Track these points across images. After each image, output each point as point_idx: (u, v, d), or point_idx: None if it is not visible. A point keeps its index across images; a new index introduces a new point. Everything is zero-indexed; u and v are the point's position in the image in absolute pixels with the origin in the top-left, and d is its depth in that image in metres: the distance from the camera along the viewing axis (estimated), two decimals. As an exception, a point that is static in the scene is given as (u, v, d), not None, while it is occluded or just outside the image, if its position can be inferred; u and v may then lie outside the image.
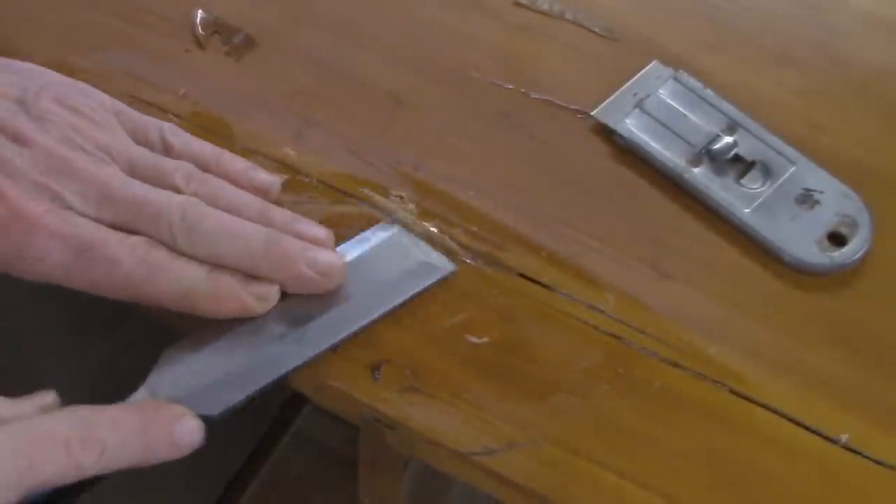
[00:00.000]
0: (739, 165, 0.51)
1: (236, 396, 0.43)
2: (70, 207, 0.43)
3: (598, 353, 0.45)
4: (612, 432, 0.43)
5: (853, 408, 0.44)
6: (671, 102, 0.53)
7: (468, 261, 0.48)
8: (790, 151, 0.51)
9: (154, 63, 0.54)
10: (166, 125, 0.48)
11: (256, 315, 0.44)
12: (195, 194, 0.45)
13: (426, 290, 0.46)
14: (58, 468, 0.37)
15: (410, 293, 0.46)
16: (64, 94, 0.46)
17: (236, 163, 0.48)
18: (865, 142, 0.53)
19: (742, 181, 0.50)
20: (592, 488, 0.42)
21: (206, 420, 0.42)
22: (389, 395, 0.44)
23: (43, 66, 0.50)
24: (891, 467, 0.43)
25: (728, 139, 0.51)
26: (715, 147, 0.51)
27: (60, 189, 0.43)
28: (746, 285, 0.48)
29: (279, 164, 0.51)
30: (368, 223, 0.49)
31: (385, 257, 0.47)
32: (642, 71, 0.54)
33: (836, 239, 0.49)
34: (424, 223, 0.48)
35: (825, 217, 0.49)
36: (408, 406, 0.44)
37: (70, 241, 0.42)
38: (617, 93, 0.53)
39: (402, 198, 0.50)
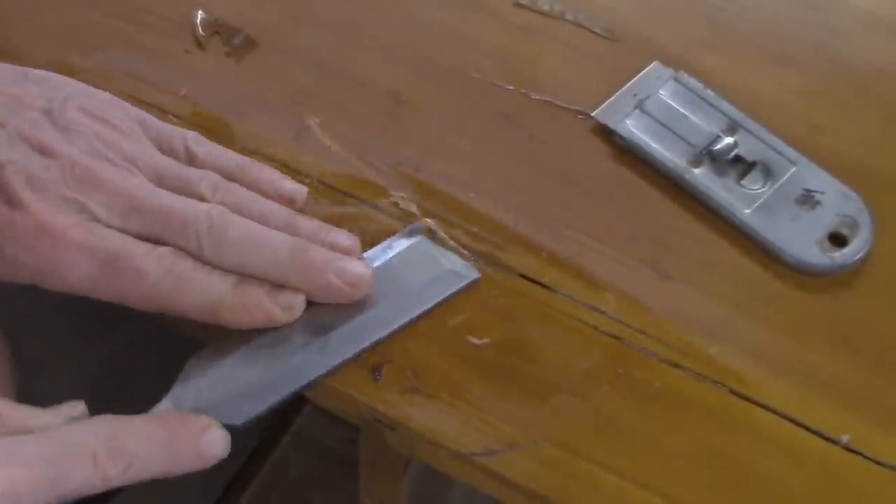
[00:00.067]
0: (740, 166, 0.51)
1: (259, 406, 0.43)
2: (96, 219, 0.43)
3: (599, 353, 0.45)
4: (613, 433, 0.43)
5: (854, 408, 0.44)
6: (672, 103, 0.53)
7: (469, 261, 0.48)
8: (791, 152, 0.51)
9: (154, 63, 0.54)
10: (190, 134, 0.48)
11: (283, 325, 0.44)
12: (221, 204, 0.45)
13: (450, 298, 0.46)
14: (85, 479, 0.37)
15: (434, 301, 0.46)
16: (89, 104, 0.46)
17: (261, 172, 0.48)
18: (866, 142, 0.53)
19: (743, 182, 0.50)
20: (593, 489, 0.42)
21: (229, 430, 0.42)
22: (390, 396, 0.44)
23: (43, 66, 0.50)
24: (892, 468, 0.43)
25: (729, 140, 0.51)
26: (715, 148, 0.51)
27: (87, 201, 0.43)
28: (747, 286, 0.48)
29: (279, 165, 0.51)
30: (368, 223, 0.49)
31: (409, 265, 0.46)
32: (643, 71, 0.54)
33: (837, 239, 0.49)
34: (455, 241, 0.48)
35: (826, 217, 0.49)
36: (408, 406, 0.44)
37: (97, 253, 0.42)
38: (617, 93, 0.53)
39: (403, 198, 0.50)
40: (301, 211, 0.47)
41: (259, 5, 0.57)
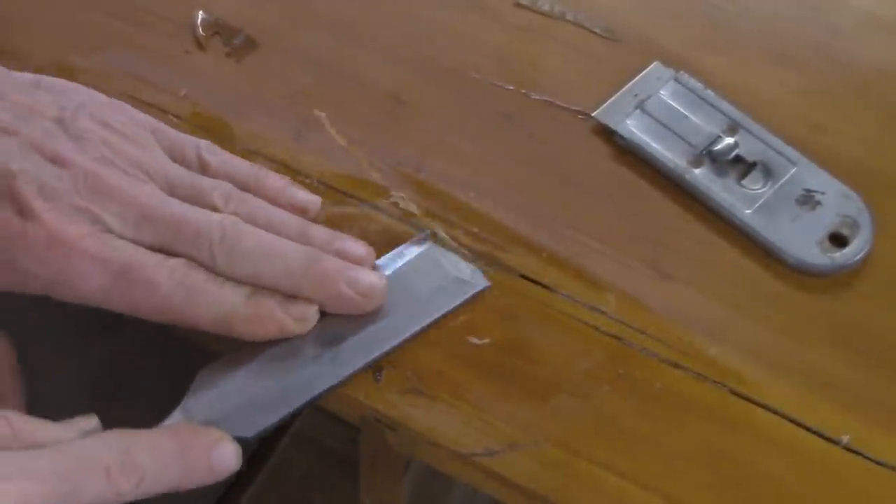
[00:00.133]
0: (740, 166, 0.51)
1: (270, 418, 0.42)
2: (109, 229, 0.43)
3: (599, 353, 0.45)
4: (613, 433, 0.43)
5: (854, 409, 0.44)
6: (672, 103, 0.53)
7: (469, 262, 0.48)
8: (791, 152, 0.51)
9: (154, 64, 0.54)
10: (203, 143, 0.48)
11: (295, 336, 0.44)
12: (234, 213, 0.44)
13: (460, 306, 0.46)
14: (98, 493, 0.37)
15: (445, 310, 0.46)
16: (101, 112, 0.46)
17: (274, 181, 0.48)
18: (866, 142, 0.53)
19: (743, 182, 0.50)
20: (593, 489, 0.42)
21: (241, 442, 0.41)
22: (391, 396, 0.44)
23: (43, 66, 0.50)
24: (892, 468, 0.43)
25: (729, 140, 0.51)
26: (716, 148, 0.51)
27: (99, 211, 0.43)
28: (747, 286, 0.48)
29: (279, 165, 0.51)
30: (369, 223, 0.49)
31: (419, 274, 0.46)
32: (643, 72, 0.54)
33: (838, 240, 0.49)
34: (456, 241, 0.48)
35: (826, 218, 0.49)
36: (409, 407, 0.44)
37: (110, 264, 0.42)
38: (618, 94, 0.53)
39: (403, 198, 0.50)
40: (314, 220, 0.47)
41: (259, 5, 0.57)
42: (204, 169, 0.47)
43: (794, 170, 0.50)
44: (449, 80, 0.54)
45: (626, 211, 0.50)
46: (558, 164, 0.51)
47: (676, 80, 0.53)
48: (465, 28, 0.57)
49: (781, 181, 0.50)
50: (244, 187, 0.46)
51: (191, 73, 0.54)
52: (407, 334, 0.45)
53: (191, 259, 0.43)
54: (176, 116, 0.52)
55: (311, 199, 0.48)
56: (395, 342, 0.44)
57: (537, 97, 0.54)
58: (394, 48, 0.56)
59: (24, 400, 0.46)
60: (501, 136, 0.52)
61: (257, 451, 0.75)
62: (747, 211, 0.49)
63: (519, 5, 0.58)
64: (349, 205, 0.49)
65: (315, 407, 0.46)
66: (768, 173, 0.50)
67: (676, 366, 0.45)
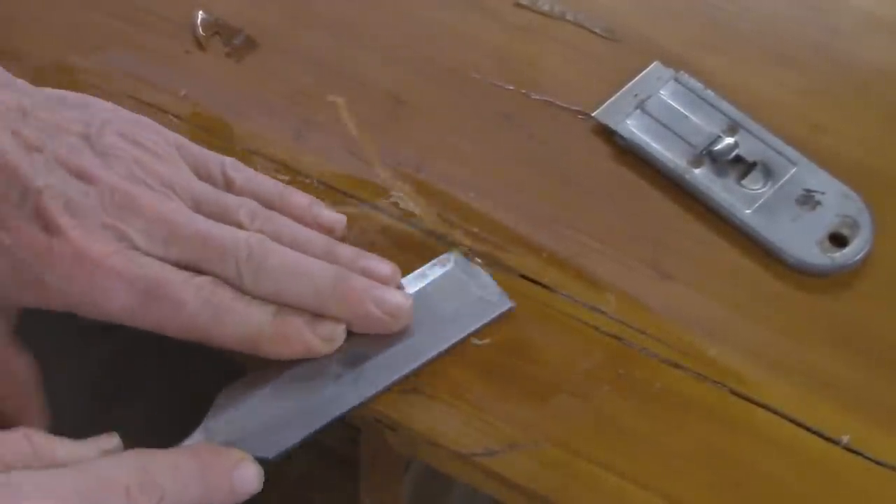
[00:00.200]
0: (740, 166, 0.51)
1: (292, 439, 0.42)
2: (135, 247, 0.42)
3: (599, 353, 0.45)
4: (613, 433, 0.43)
5: (854, 409, 0.44)
6: (672, 103, 0.53)
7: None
8: (791, 152, 0.51)
9: (154, 64, 0.54)
10: (228, 160, 0.47)
11: (322, 356, 0.43)
12: (259, 231, 0.44)
13: (484, 327, 0.46)
14: None
15: (468, 331, 0.45)
16: (127, 129, 0.45)
17: (299, 198, 0.47)
18: (866, 142, 0.53)
19: (743, 182, 0.50)
20: (593, 489, 0.42)
21: (262, 463, 0.41)
22: (391, 397, 0.44)
23: (43, 66, 0.50)
24: (892, 468, 0.43)
25: (729, 140, 0.51)
26: (716, 148, 0.51)
27: (126, 228, 0.42)
28: (747, 286, 0.48)
29: (279, 165, 0.51)
30: (368, 223, 0.49)
31: (443, 294, 0.46)
32: (643, 72, 0.54)
33: (838, 240, 0.49)
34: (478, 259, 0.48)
35: (826, 218, 0.49)
36: (409, 407, 0.44)
37: (136, 282, 0.42)
38: (618, 94, 0.53)
39: (402, 198, 0.50)
40: (341, 239, 0.47)
41: (259, 5, 0.57)
42: (229, 186, 0.47)
43: (794, 170, 0.50)
44: (449, 80, 0.54)
45: (626, 211, 0.50)
46: (558, 164, 0.52)
47: (676, 80, 0.53)
48: (465, 28, 0.57)
49: (781, 181, 0.50)
50: (269, 205, 0.46)
51: (191, 73, 0.54)
52: (430, 355, 0.44)
53: (217, 277, 0.43)
54: (176, 116, 0.52)
55: (337, 218, 0.47)
56: (419, 363, 0.44)
57: (537, 97, 0.54)
58: (394, 48, 0.56)
59: (47, 417, 0.46)
60: (501, 136, 0.52)
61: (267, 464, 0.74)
62: (747, 211, 0.49)
63: (519, 5, 0.58)
64: (349, 205, 0.49)
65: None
66: (768, 173, 0.50)
67: (676, 366, 0.45)
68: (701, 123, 0.52)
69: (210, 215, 0.44)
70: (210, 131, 0.51)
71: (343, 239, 0.47)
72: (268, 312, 0.43)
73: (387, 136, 0.52)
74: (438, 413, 0.44)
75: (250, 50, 0.55)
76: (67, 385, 0.57)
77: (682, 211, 0.50)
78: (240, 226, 0.44)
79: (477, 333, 0.45)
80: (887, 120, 0.54)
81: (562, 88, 0.54)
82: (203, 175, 0.46)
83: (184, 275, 0.42)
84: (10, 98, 0.44)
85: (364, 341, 0.44)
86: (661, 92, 0.53)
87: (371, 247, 0.47)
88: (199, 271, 0.43)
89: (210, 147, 0.48)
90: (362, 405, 0.43)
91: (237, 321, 0.42)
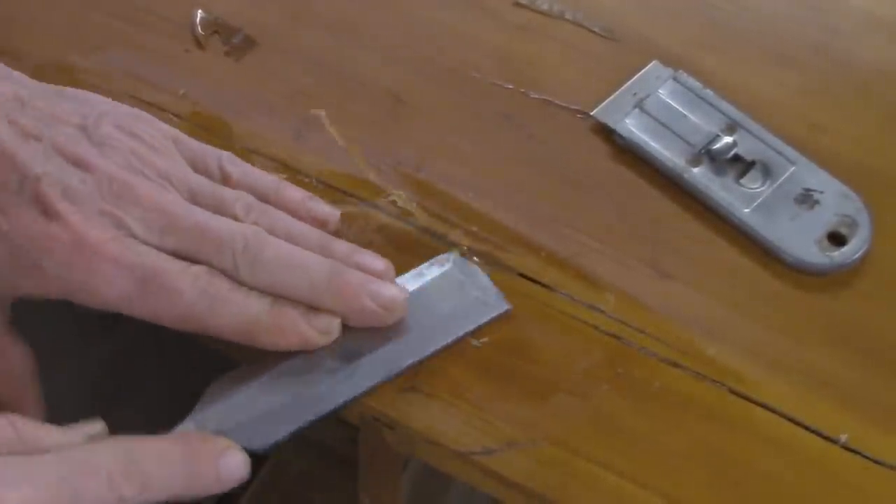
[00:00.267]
0: (739, 165, 0.51)
1: (283, 431, 0.42)
2: (133, 235, 0.42)
3: (598, 353, 0.45)
4: (612, 432, 0.43)
5: (853, 407, 0.44)
6: (671, 102, 0.53)
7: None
8: (790, 151, 0.51)
9: (154, 63, 0.54)
10: (224, 154, 0.47)
11: (317, 348, 0.43)
12: (255, 224, 0.44)
13: (480, 328, 0.46)
14: (100, 499, 0.37)
15: (464, 331, 0.45)
16: (123, 121, 0.46)
17: (294, 193, 0.47)
18: (865, 142, 0.53)
19: (742, 181, 0.50)
20: (592, 488, 0.42)
21: (252, 454, 0.41)
22: (389, 395, 0.44)
23: (43, 66, 0.50)
24: (890, 467, 0.43)
25: (728, 139, 0.51)
26: (715, 147, 0.51)
27: (123, 216, 0.42)
28: (746, 285, 0.48)
29: (279, 165, 0.51)
30: (368, 222, 0.49)
31: (440, 293, 0.46)
32: (642, 71, 0.54)
33: (836, 239, 0.49)
34: (475, 259, 0.48)
35: (825, 217, 0.49)
36: (407, 406, 0.44)
37: (134, 270, 0.42)
38: (617, 93, 0.53)
39: (402, 197, 0.50)
40: (335, 233, 0.47)
41: (259, 5, 0.57)
42: (225, 180, 0.47)
43: (792, 169, 0.50)
44: (449, 80, 0.55)
45: (625, 210, 0.50)
46: (557, 163, 0.52)
47: (675, 79, 0.53)
48: (465, 28, 0.57)
49: (780, 180, 0.50)
50: (264, 199, 0.46)
51: (190, 73, 0.54)
52: (425, 353, 0.44)
53: (213, 268, 0.43)
54: (175, 115, 0.52)
55: (331, 213, 0.48)
56: (413, 360, 0.44)
57: (537, 96, 0.54)
58: (394, 48, 0.56)
59: (42, 409, 0.46)
60: (501, 135, 0.53)
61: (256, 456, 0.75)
62: (746, 210, 0.49)
63: (518, 4, 0.58)
64: (349, 204, 0.50)
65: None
66: (767, 172, 0.50)
67: (675, 365, 0.45)
68: (700, 122, 0.52)
69: (206, 208, 0.44)
70: (209, 130, 0.51)
71: (337, 233, 0.47)
72: (264, 303, 0.43)
73: (387, 135, 0.52)
74: (437, 412, 0.44)
75: (249, 49, 0.55)
76: (67, 385, 0.57)
77: (681, 210, 0.50)
78: (235, 218, 0.44)
79: (473, 334, 0.45)
80: (887, 120, 0.54)
81: (561, 87, 0.54)
82: (200, 168, 0.47)
83: (181, 264, 0.42)
84: (8, 89, 0.45)
85: (359, 337, 0.44)
86: (660, 91, 0.53)
87: (370, 245, 0.47)
88: (195, 262, 0.43)
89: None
90: (355, 401, 0.43)
91: (234, 311, 0.42)
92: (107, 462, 0.37)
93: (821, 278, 0.48)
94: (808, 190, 0.50)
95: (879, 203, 0.50)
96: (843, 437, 0.43)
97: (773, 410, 0.44)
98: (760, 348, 0.46)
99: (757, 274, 0.48)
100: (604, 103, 0.53)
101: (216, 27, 0.56)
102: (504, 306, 0.46)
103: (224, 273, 0.43)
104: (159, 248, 0.43)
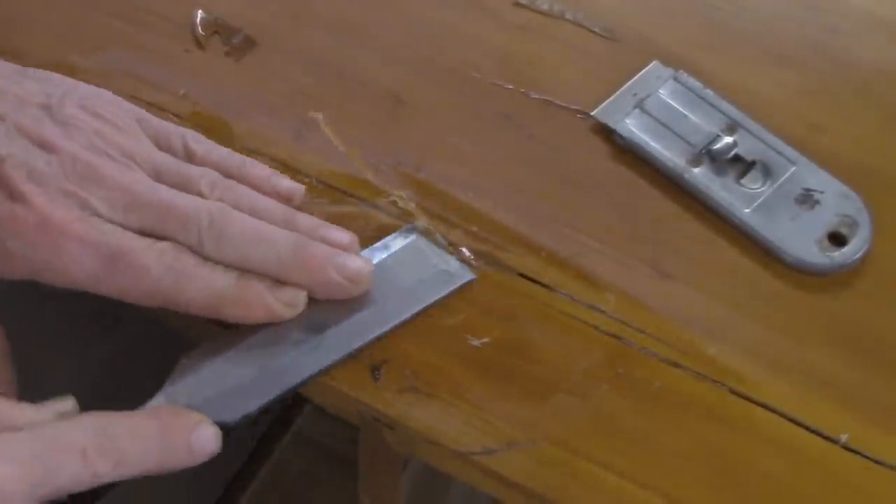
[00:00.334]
0: (739, 165, 0.51)
1: (253, 404, 0.43)
2: (97, 214, 0.43)
3: (599, 353, 0.45)
4: (612, 432, 0.43)
5: (853, 408, 0.44)
6: (671, 102, 0.53)
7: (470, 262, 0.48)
8: (790, 151, 0.51)
9: (154, 63, 0.54)
10: (189, 132, 0.48)
11: (284, 321, 0.44)
12: (220, 201, 0.45)
13: (444, 298, 0.46)
14: (74, 476, 0.37)
15: (429, 302, 0.46)
16: (87, 102, 0.46)
17: (259, 170, 0.48)
18: (865, 142, 0.53)
19: (742, 181, 0.50)
20: (592, 488, 0.42)
21: (223, 427, 0.42)
22: (389, 395, 0.44)
23: (43, 66, 0.50)
24: (891, 467, 0.43)
25: (728, 139, 0.51)
26: (715, 147, 0.51)
27: (88, 196, 0.43)
28: (746, 285, 0.48)
29: (279, 164, 0.51)
30: (368, 222, 0.49)
31: (404, 265, 0.47)
32: (642, 71, 0.54)
33: (837, 239, 0.49)
34: (438, 231, 0.48)
35: (825, 217, 0.49)
36: (407, 406, 0.44)
37: (100, 248, 0.42)
38: (617, 93, 0.53)
39: (402, 197, 0.50)
40: (299, 209, 0.47)
41: (259, 5, 0.57)
42: (190, 158, 0.47)
43: (793, 169, 0.50)
44: (449, 80, 0.54)
45: (625, 210, 0.50)
46: (558, 163, 0.52)
47: (675, 79, 0.53)
48: (465, 28, 0.57)
49: (780, 180, 0.50)
50: (229, 176, 0.47)
51: (190, 73, 0.54)
52: (391, 324, 0.45)
53: (179, 244, 0.43)
54: (176, 115, 0.52)
55: (296, 187, 0.48)
56: (379, 332, 0.45)
57: (537, 96, 0.54)
58: (394, 48, 0.56)
59: (16, 388, 0.46)
60: (501, 135, 0.53)
61: (257, 449, 0.75)
62: (746, 210, 0.49)
63: (518, 4, 0.58)
64: (349, 204, 0.49)
65: (315, 406, 0.46)
66: (767, 172, 0.50)
67: (676, 365, 0.45)
68: (700, 122, 0.52)
69: (171, 185, 0.45)
70: (209, 130, 0.51)
71: (300, 209, 0.47)
72: (230, 277, 0.43)
73: (387, 135, 0.52)
74: (437, 412, 0.44)
75: (250, 49, 0.55)
76: (67, 385, 0.57)
77: (682, 210, 0.50)
78: (200, 195, 0.45)
79: (438, 304, 0.46)
80: (886, 120, 0.54)
81: (561, 88, 0.54)
82: (164, 147, 0.47)
83: (146, 241, 0.43)
84: None
85: (325, 309, 0.44)
86: (661, 91, 0.53)
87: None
88: (160, 239, 0.43)
89: (210, 146, 0.48)
90: (322, 373, 0.44)
91: (200, 286, 0.43)
92: (80, 438, 0.38)
93: (821, 278, 0.48)
94: (808, 190, 0.50)
95: (879, 203, 0.50)
96: (844, 438, 0.43)
97: (773, 410, 0.44)
98: (761, 348, 0.46)
99: (757, 274, 0.48)
100: (604, 103, 0.53)
101: (216, 27, 0.56)
102: (468, 276, 0.47)
103: (190, 249, 0.43)
104: (124, 227, 0.43)
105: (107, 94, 0.48)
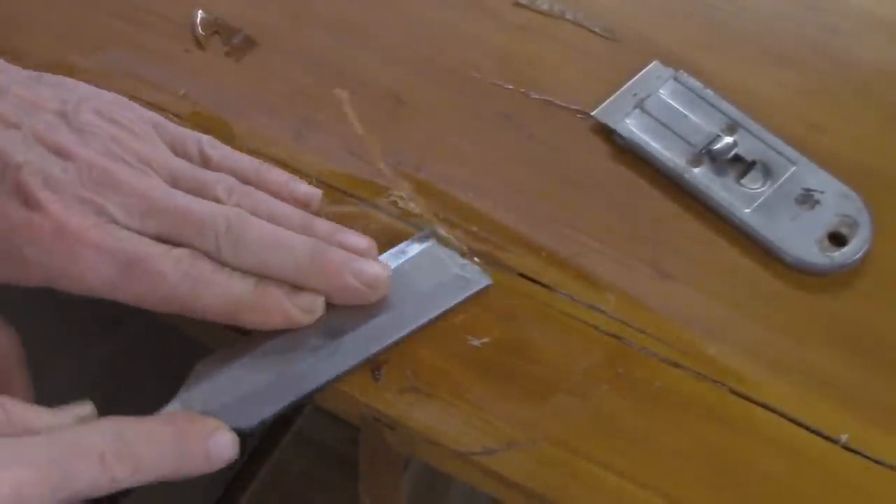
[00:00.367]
0: (740, 165, 0.51)
1: (269, 410, 0.42)
2: (114, 221, 0.43)
3: (599, 353, 0.45)
4: (613, 432, 0.43)
5: (853, 408, 0.44)
6: (671, 102, 0.53)
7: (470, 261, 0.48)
8: (790, 151, 0.51)
9: (154, 63, 0.54)
10: (205, 138, 0.48)
11: (301, 326, 0.44)
12: (237, 206, 0.44)
13: (461, 304, 0.46)
14: (92, 480, 0.37)
15: (446, 307, 0.46)
16: (103, 107, 0.46)
17: (276, 175, 0.48)
18: (865, 142, 0.53)
19: (742, 181, 0.50)
20: (592, 488, 0.42)
21: (239, 434, 0.41)
22: (390, 395, 0.44)
23: (43, 66, 0.50)
24: (891, 467, 0.43)
25: (728, 139, 0.51)
26: (715, 147, 0.51)
27: (104, 202, 0.43)
28: (747, 285, 0.48)
29: (279, 164, 0.50)
30: (368, 222, 0.49)
31: (421, 270, 0.46)
32: (642, 71, 0.54)
33: (837, 239, 0.49)
34: (456, 238, 0.48)
35: (825, 217, 0.49)
36: (408, 406, 0.44)
37: (116, 255, 0.42)
38: (617, 93, 0.53)
39: (402, 197, 0.50)
40: (316, 214, 0.47)
41: (259, 5, 0.57)
42: (206, 163, 0.47)
43: (793, 169, 0.50)
44: (449, 80, 0.54)
45: (625, 210, 0.50)
46: (558, 163, 0.52)
47: (676, 79, 0.53)
48: (465, 28, 0.57)
49: (781, 180, 0.50)
50: (245, 181, 0.47)
51: (190, 73, 0.54)
52: (407, 330, 0.45)
53: (196, 250, 0.43)
54: (176, 116, 0.52)
55: (313, 193, 0.48)
56: (396, 337, 0.45)
57: (537, 96, 0.54)
58: (394, 48, 0.56)
59: (32, 394, 0.46)
60: (501, 135, 0.53)
61: (257, 449, 0.75)
62: (746, 210, 0.49)
63: (518, 4, 0.58)
64: (349, 204, 0.49)
65: (315, 406, 0.46)
66: (767, 172, 0.50)
67: (676, 365, 0.45)
68: (700, 122, 0.52)
69: (188, 191, 0.44)
70: (210, 131, 0.51)
71: (318, 214, 0.47)
72: (248, 283, 0.43)
73: (387, 135, 0.52)
74: (437, 412, 0.44)
75: (250, 49, 0.55)
76: (67, 385, 0.57)
77: (682, 210, 0.50)
78: (217, 201, 0.45)
79: (454, 310, 0.46)
80: (887, 120, 0.54)
81: (561, 88, 0.54)
82: (180, 152, 0.47)
83: (163, 247, 0.43)
84: None
85: (341, 315, 0.44)
86: (661, 91, 0.53)
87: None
88: (177, 245, 0.43)
89: (210, 146, 0.48)
90: (339, 378, 0.44)
91: (217, 292, 0.42)
92: (99, 443, 0.38)
93: (821, 278, 0.48)
94: (808, 190, 0.50)
95: (880, 203, 0.50)
96: (844, 438, 0.43)
97: (773, 410, 0.44)
98: (761, 348, 0.46)
99: (758, 274, 0.48)
100: (604, 103, 0.53)
101: (216, 27, 0.56)
102: (485, 281, 0.47)
103: (207, 255, 0.43)
104: (141, 233, 0.43)
105: (122, 100, 0.48)
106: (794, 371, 0.45)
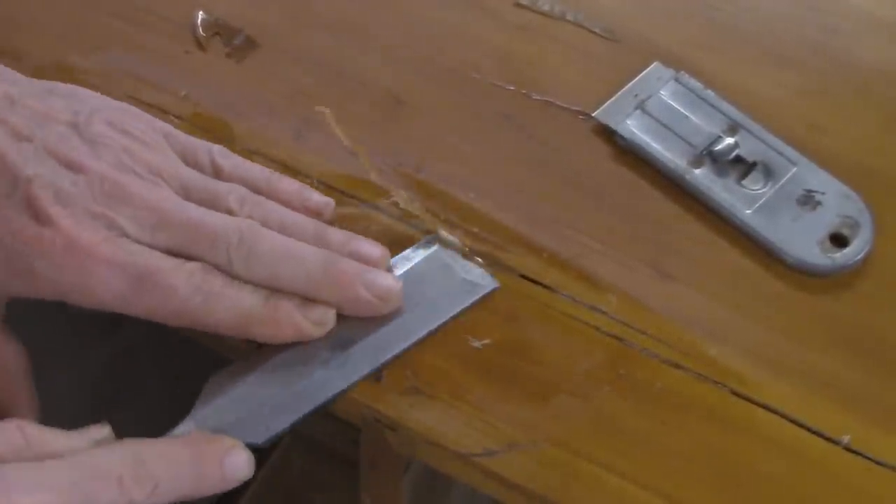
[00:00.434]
0: (741, 166, 0.51)
1: (281, 424, 0.42)
2: (125, 234, 0.42)
3: (600, 354, 0.45)
4: (614, 433, 0.43)
5: (855, 409, 0.44)
6: (672, 103, 0.53)
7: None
8: (791, 152, 0.51)
9: (154, 64, 0.54)
10: (216, 147, 0.48)
11: (312, 339, 0.44)
12: (249, 217, 0.44)
13: (469, 308, 0.46)
14: (111, 503, 0.37)
15: (454, 312, 0.45)
16: (115, 118, 0.46)
17: (288, 184, 0.48)
18: (866, 142, 0.53)
19: (743, 182, 0.50)
20: (593, 489, 0.42)
21: (252, 448, 0.41)
22: (391, 397, 0.44)
23: (43, 66, 0.50)
24: (893, 468, 0.43)
25: (729, 140, 0.51)
26: (716, 148, 0.51)
27: (115, 216, 0.42)
28: (748, 286, 0.48)
29: (279, 165, 0.50)
30: (369, 223, 0.49)
31: (427, 276, 0.46)
32: (643, 72, 0.54)
33: (838, 240, 0.49)
34: (462, 242, 0.48)
35: (827, 218, 0.49)
36: (409, 407, 0.44)
37: (127, 269, 0.42)
38: (618, 94, 0.53)
39: (403, 198, 0.50)
40: (328, 222, 0.47)
41: (259, 5, 0.57)
42: (217, 173, 0.47)
43: (794, 170, 0.50)
44: (449, 80, 0.54)
45: (626, 211, 0.50)
46: (558, 164, 0.51)
47: (677, 80, 0.53)
48: (465, 28, 0.57)
49: (782, 181, 0.50)
50: (257, 191, 0.46)
51: (191, 74, 0.54)
52: (417, 337, 0.45)
53: (207, 263, 0.43)
54: (177, 117, 0.52)
55: (325, 202, 0.48)
56: (405, 345, 0.44)
57: (537, 97, 0.54)
58: (394, 48, 0.56)
59: (37, 408, 0.46)
60: (501, 136, 0.52)
61: (257, 450, 0.74)
62: (748, 211, 0.49)
63: (519, 5, 0.58)
64: (349, 205, 0.49)
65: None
66: (768, 173, 0.50)
67: (677, 366, 0.45)
68: (701, 123, 0.52)
69: (199, 202, 0.44)
70: (210, 131, 0.51)
71: (331, 223, 0.47)
72: (259, 297, 0.43)
73: (387, 135, 0.52)
74: (438, 413, 0.44)
75: (250, 50, 0.55)
76: (67, 387, 0.57)
77: (683, 211, 0.50)
78: (229, 212, 0.44)
79: (462, 314, 0.46)
80: (887, 120, 0.54)
81: (562, 88, 0.54)
82: (191, 162, 0.47)
83: (174, 261, 0.42)
84: None
85: (352, 325, 0.44)
86: (662, 92, 0.53)
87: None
88: (189, 258, 0.43)
89: (210, 147, 0.48)
90: (350, 388, 0.43)
91: (228, 306, 0.42)
92: (117, 466, 0.37)
93: (823, 279, 0.48)
94: (809, 191, 0.50)
95: (880, 204, 0.50)
96: (846, 439, 0.43)
97: (774, 412, 0.44)
98: (762, 349, 0.46)
99: (759, 275, 0.48)
100: (605, 104, 0.53)
101: (217, 28, 0.56)
102: (492, 284, 0.46)
103: (219, 268, 0.43)
104: (152, 246, 0.43)
105: (134, 110, 0.47)
106: (796, 372, 0.45)
